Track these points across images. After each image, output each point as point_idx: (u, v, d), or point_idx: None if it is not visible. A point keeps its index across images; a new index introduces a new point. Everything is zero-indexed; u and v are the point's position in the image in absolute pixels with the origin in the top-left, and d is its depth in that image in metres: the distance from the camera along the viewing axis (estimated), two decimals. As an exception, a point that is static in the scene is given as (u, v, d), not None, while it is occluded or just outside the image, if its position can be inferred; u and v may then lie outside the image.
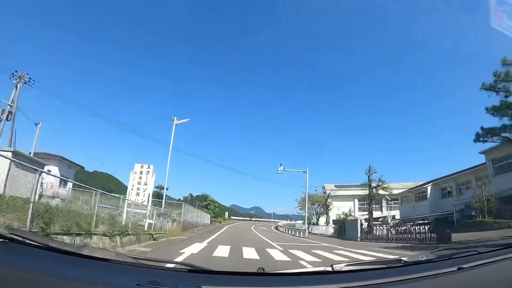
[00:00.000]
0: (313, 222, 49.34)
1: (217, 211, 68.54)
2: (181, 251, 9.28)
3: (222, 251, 10.02)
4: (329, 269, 1.29)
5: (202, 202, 60.05)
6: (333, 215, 44.04)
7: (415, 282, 1.20)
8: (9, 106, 23.39)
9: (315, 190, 48.30)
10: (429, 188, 34.67)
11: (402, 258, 1.44)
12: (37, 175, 6.73)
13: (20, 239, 1.14)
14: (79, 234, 7.43)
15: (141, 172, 17.56)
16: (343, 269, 1.30)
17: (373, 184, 30.13)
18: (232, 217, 66.40)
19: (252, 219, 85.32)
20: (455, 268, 1.33)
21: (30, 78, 24.86)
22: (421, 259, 1.45)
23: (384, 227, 24.58)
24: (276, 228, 51.25)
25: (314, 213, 51.86)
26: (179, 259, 7.30)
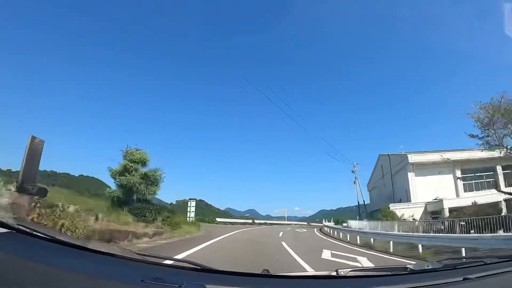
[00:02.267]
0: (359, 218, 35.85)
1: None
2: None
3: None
4: (334, 273, 1.28)
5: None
6: (416, 199, 27.94)
7: None
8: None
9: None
10: None
11: (407, 266, 1.43)
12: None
13: (28, 230, 1.15)
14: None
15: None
16: (348, 274, 1.29)
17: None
18: (223, 220, 44.00)
19: (268, 222, 56.30)
20: (461, 278, 1.32)
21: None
22: (427, 267, 1.45)
23: None
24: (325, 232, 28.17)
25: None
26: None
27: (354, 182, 41.70)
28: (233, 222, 43.85)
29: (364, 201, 41.63)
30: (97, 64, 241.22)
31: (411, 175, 29.98)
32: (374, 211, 34.25)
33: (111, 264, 1.14)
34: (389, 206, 28.20)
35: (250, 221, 51.46)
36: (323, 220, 46.25)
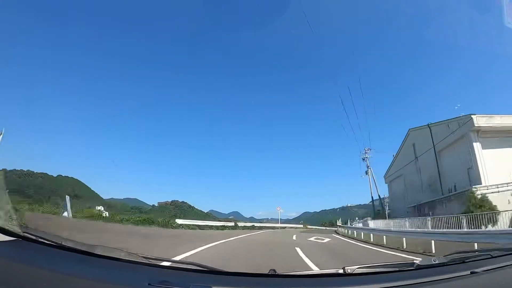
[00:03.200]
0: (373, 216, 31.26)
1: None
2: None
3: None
4: (341, 271, 1.29)
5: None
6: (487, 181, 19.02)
7: (428, 286, 1.19)
8: None
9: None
10: None
11: (414, 262, 1.44)
12: None
13: (33, 237, 1.16)
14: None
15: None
16: (355, 272, 1.29)
17: None
18: (193, 223, 24.48)
19: (256, 225, 40.07)
20: (468, 272, 1.32)
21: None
22: (434, 262, 1.45)
23: None
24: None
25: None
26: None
27: (366, 173, 35.86)
28: (203, 225, 25.08)
29: (380, 196, 36.28)
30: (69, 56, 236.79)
31: (477, 147, 20.11)
32: (423, 204, 25.61)
33: (118, 268, 1.15)
34: (474, 188, 17.83)
35: (232, 224, 32.93)
36: (337, 221, 41.27)
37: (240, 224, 34.89)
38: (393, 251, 10.95)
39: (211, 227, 26.11)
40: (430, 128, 26.40)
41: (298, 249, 9.89)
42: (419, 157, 29.08)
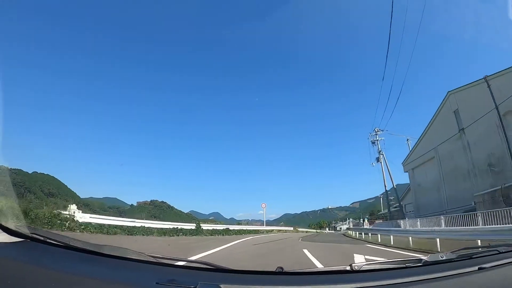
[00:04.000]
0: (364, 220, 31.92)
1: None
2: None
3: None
4: (348, 268, 1.29)
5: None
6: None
7: (435, 282, 1.18)
8: None
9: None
10: None
11: (422, 258, 1.43)
12: None
13: (41, 238, 1.17)
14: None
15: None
16: (362, 269, 1.30)
17: None
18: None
19: (242, 228, 28.11)
20: (476, 268, 1.31)
21: None
22: (441, 258, 1.44)
23: None
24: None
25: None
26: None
27: (377, 159, 28.57)
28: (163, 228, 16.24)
29: (394, 186, 28.52)
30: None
31: None
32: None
33: (126, 268, 1.15)
34: None
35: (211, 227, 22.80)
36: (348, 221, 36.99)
37: (206, 226, 21.46)
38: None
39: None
40: (487, 83, 17.47)
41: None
42: (467, 127, 20.46)
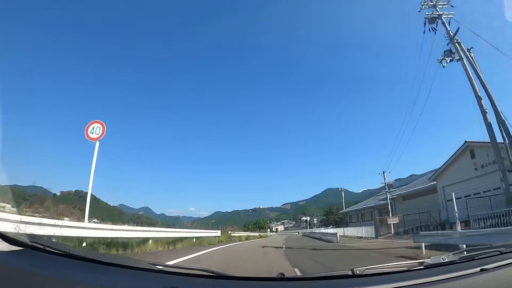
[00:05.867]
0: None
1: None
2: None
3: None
4: (350, 272, 1.29)
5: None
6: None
7: (437, 284, 1.18)
8: None
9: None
10: None
11: (423, 260, 1.43)
12: None
13: (41, 246, 1.16)
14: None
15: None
16: (364, 273, 1.29)
17: None
18: None
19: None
20: (478, 269, 1.30)
21: None
22: (443, 260, 1.44)
23: None
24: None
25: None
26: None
27: (450, 53, 14.48)
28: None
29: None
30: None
31: None
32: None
33: (127, 276, 1.15)
34: None
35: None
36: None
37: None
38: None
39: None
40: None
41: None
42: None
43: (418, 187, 28.38)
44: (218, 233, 23.07)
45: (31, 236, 1.21)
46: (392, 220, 25.76)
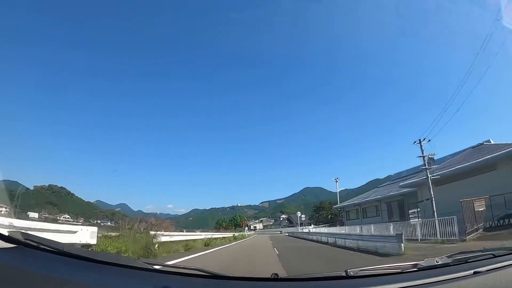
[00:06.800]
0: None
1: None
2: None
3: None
4: (343, 274, 1.29)
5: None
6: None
7: (431, 287, 1.19)
8: None
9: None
10: None
11: (417, 263, 1.44)
12: None
13: (35, 244, 1.16)
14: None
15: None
16: (357, 274, 1.30)
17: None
18: None
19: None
20: (471, 272, 1.31)
21: None
22: (437, 263, 1.45)
23: None
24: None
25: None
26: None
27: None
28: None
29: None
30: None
31: None
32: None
33: (121, 274, 1.15)
34: None
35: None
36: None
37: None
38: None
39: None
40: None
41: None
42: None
43: (476, 160, 18.07)
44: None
45: (25, 233, 1.21)
46: (479, 205, 14.81)
